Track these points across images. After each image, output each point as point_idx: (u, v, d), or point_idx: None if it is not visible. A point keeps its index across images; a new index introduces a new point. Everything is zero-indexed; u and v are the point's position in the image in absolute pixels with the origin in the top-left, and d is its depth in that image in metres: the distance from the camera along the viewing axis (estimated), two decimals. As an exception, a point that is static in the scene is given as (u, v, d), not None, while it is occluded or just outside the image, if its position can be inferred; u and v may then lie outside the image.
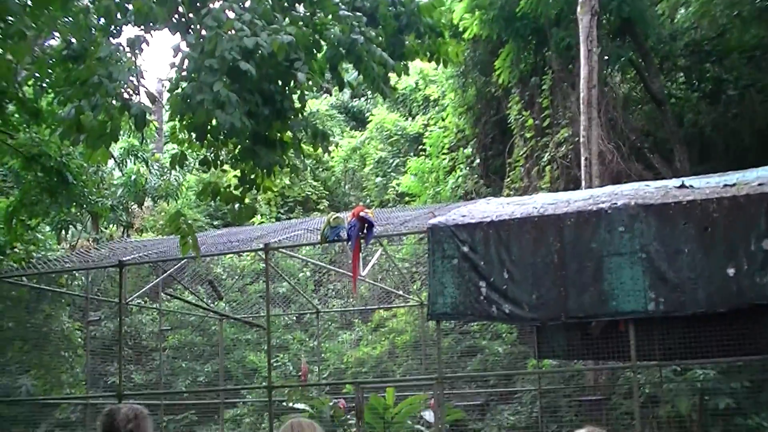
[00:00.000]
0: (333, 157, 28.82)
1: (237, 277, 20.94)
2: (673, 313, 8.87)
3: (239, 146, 7.22)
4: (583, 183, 15.61)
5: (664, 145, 18.01)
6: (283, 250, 14.12)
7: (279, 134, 7.30)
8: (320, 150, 7.98)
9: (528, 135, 19.14)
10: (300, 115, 7.36)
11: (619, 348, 10.34)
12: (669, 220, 8.89)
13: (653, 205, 9.03)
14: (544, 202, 10.17)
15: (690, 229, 8.78)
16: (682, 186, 9.59)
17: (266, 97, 6.88)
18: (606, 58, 17.83)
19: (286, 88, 7.05)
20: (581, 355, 12.32)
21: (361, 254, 11.38)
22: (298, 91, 7.19)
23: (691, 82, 19.38)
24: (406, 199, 24.28)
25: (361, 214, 10.48)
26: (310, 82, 7.12)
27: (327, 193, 28.16)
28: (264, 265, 12.81)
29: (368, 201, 26.36)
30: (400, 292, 18.39)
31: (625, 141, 17.45)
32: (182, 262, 14.84)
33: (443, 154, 22.88)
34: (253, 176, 7.51)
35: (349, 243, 10.70)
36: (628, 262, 8.94)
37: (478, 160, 21.71)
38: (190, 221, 8.27)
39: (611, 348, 10.63)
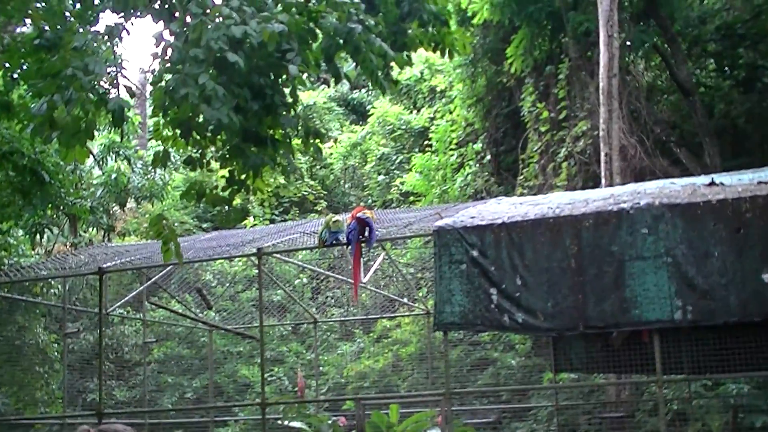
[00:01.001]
0: (331, 154, 28.83)
1: (228, 285, 20.94)
2: (702, 322, 8.86)
3: (227, 144, 7.20)
4: (603, 181, 15.60)
5: (692, 138, 17.99)
6: (278, 255, 14.09)
7: (270, 131, 7.27)
8: (311, 150, 7.90)
9: (543, 128, 19.13)
10: (292, 111, 7.31)
11: (642, 360, 10.36)
12: (697, 220, 8.87)
13: (680, 204, 9.01)
14: (560, 201, 10.16)
15: (721, 231, 8.76)
16: (712, 183, 9.58)
17: (256, 91, 6.84)
18: (628, 43, 17.83)
19: (278, 81, 7.01)
20: (601, 368, 12.33)
21: (362, 259, 11.39)
22: (291, 85, 7.15)
23: (722, 68, 19.36)
24: (411, 198, 24.30)
25: (359, 215, 10.48)
26: (304, 75, 7.09)
27: (325, 192, 28.15)
28: (257, 271, 12.80)
29: (370, 201, 26.37)
30: (405, 300, 18.38)
31: (649, 134, 17.43)
32: (168, 268, 14.85)
33: (451, 149, 22.88)
34: (242, 177, 7.46)
35: (349, 247, 10.72)
36: (652, 267, 8.92)
37: (488, 156, 21.70)
38: (174, 224, 8.24)
39: (634, 360, 10.65)
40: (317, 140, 7.74)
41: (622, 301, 9.01)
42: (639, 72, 19.37)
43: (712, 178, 9.86)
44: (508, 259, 9.56)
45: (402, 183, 25.08)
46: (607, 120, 15.80)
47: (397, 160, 27.11)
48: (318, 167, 29.02)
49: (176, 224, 22.10)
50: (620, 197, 9.65)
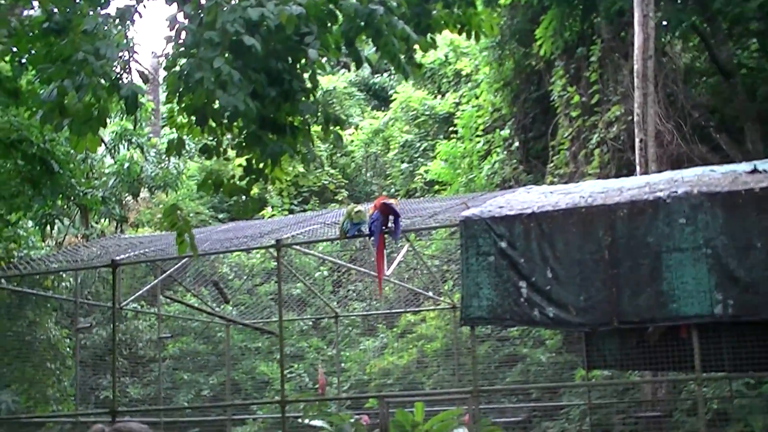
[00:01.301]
0: (352, 141, 28.81)
1: (245, 278, 21.01)
2: (744, 317, 8.78)
3: (244, 131, 7.18)
4: (638, 168, 15.49)
5: (733, 123, 17.80)
6: (297, 247, 14.08)
7: (288, 118, 7.24)
8: (331, 137, 7.89)
9: (574, 114, 19.02)
10: (311, 97, 7.27)
11: (680, 357, 10.32)
12: (738, 210, 8.79)
13: (720, 193, 8.93)
14: (592, 190, 10.12)
15: (764, 221, 8.68)
16: (754, 171, 9.50)
17: (273, 77, 6.79)
18: (664, 23, 17.65)
19: (296, 66, 6.98)
20: (637, 365, 12.29)
21: (385, 251, 11.38)
22: (310, 70, 7.11)
23: (765, 49, 19.08)
24: (436, 187, 24.27)
25: (384, 201, 10.48)
26: (323, 60, 7.06)
27: (346, 181, 28.19)
28: (276, 263, 12.81)
29: (393, 190, 26.35)
30: (430, 294, 18.35)
31: (687, 119, 17.28)
32: (183, 261, 14.90)
33: (477, 136, 22.82)
34: (260, 165, 7.42)
35: (372, 238, 10.72)
36: (691, 259, 8.86)
37: (516, 143, 21.62)
38: (189, 215, 8.25)
39: (671, 357, 10.61)
40: (337, 127, 7.71)
41: (659, 294, 8.95)
42: (676, 53, 19.19)
43: (755, 165, 9.78)
44: (539, 251, 9.53)
45: (426, 171, 25.06)
46: (641, 104, 15.67)
47: (421, 148, 27.07)
48: (338, 155, 29.04)
49: (191, 215, 22.22)
50: (656, 186, 9.59)
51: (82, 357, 16.04)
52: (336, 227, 11.28)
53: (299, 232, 12.40)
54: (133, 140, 20.26)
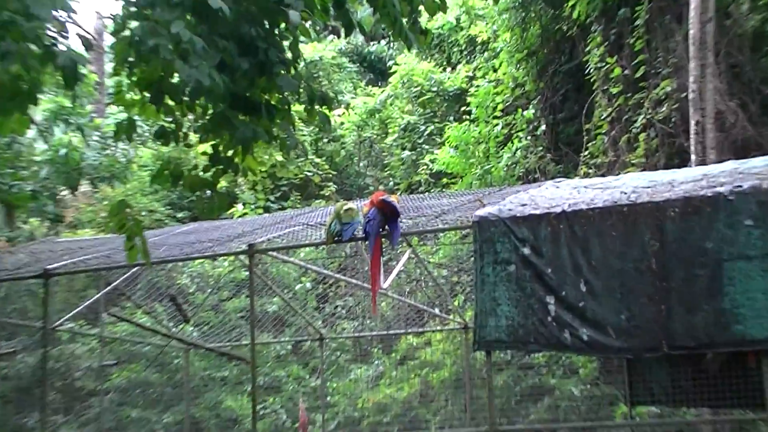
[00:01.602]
0: (342, 124, 28.79)
1: (210, 291, 20.98)
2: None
3: (209, 112, 7.21)
4: (693, 157, 15.51)
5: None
6: (274, 254, 14.06)
7: (264, 95, 7.27)
8: (317, 119, 7.91)
9: (614, 90, 19.03)
10: (292, 70, 7.28)
11: (747, 391, 10.25)
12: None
13: (795, 188, 8.91)
14: (636, 184, 10.12)
15: None
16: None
17: (246, 45, 6.82)
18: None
19: (274, 31, 7.01)
20: (692, 401, 12.19)
21: (382, 258, 11.38)
22: (291, 37, 7.14)
23: None
24: (444, 180, 24.28)
25: (384, 197, 10.49)
26: (307, 24, 7.08)
27: (334, 173, 28.18)
28: (247, 273, 12.78)
29: (392, 184, 26.38)
30: (436, 311, 18.36)
31: (755, 96, 17.30)
32: (133, 270, 14.90)
33: (495, 118, 22.82)
34: (229, 153, 7.49)
35: (367, 243, 10.72)
36: (760, 269, 8.83)
37: (543, 126, 21.63)
38: (141, 213, 8.25)
39: (736, 391, 10.54)
40: (324, 107, 7.73)
41: (720, 313, 8.92)
42: (742, 14, 19.17)
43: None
44: (570, 259, 9.51)
45: (432, 161, 25.02)
46: (698, 78, 15.70)
47: (427, 132, 27.08)
48: (325, 141, 29.01)
49: (144, 213, 22.14)
50: (716, 179, 9.58)
51: (2, 390, 15.98)
52: (322, 229, 11.27)
53: (276, 235, 12.37)
54: (72, 121, 20.23)
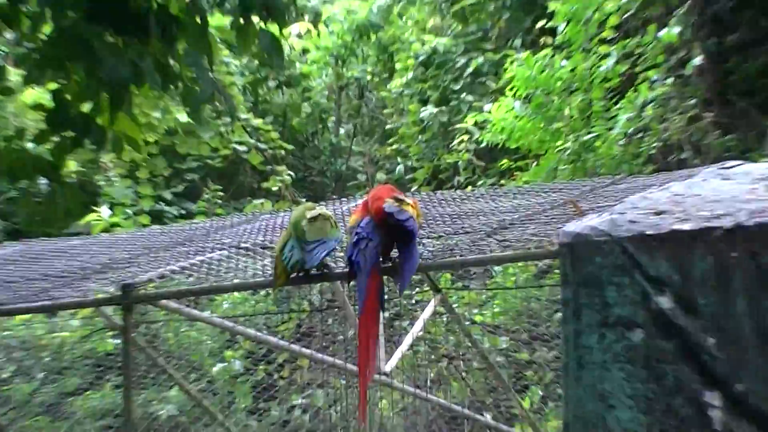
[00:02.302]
0: (307, 52, 20.16)
1: (44, 376, 13.55)
2: None
3: (51, 30, 5.83)
4: None
5: None
6: (170, 303, 8.96)
7: (152, 4, 5.81)
8: (256, 41, 6.18)
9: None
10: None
11: None
12: None
13: None
14: None
15: None
16: None
17: None
18: None
19: None
20: None
21: (383, 314, 6.73)
22: None
23: None
24: (502, 162, 16.04)
25: (385, 206, 5.79)
26: None
27: (290, 149, 18.90)
28: (120, 342, 8.51)
29: (400, 171, 19.54)
30: (488, 418, 11.02)
31: None
32: None
33: (603, 42, 14.23)
34: (85, 107, 5.95)
35: (353, 282, 5.97)
36: None
37: (698, 59, 13.64)
38: None
39: None
40: (271, 20, 6.17)
41: None
42: None
43: None
44: (753, 318, 5.81)
45: (480, 124, 16.18)
46: None
47: (470, 68, 18.01)
48: (273, 86, 20.37)
49: None
50: None
51: None
52: (266, 257, 6.87)
53: (174, 268, 7.47)
54: None
